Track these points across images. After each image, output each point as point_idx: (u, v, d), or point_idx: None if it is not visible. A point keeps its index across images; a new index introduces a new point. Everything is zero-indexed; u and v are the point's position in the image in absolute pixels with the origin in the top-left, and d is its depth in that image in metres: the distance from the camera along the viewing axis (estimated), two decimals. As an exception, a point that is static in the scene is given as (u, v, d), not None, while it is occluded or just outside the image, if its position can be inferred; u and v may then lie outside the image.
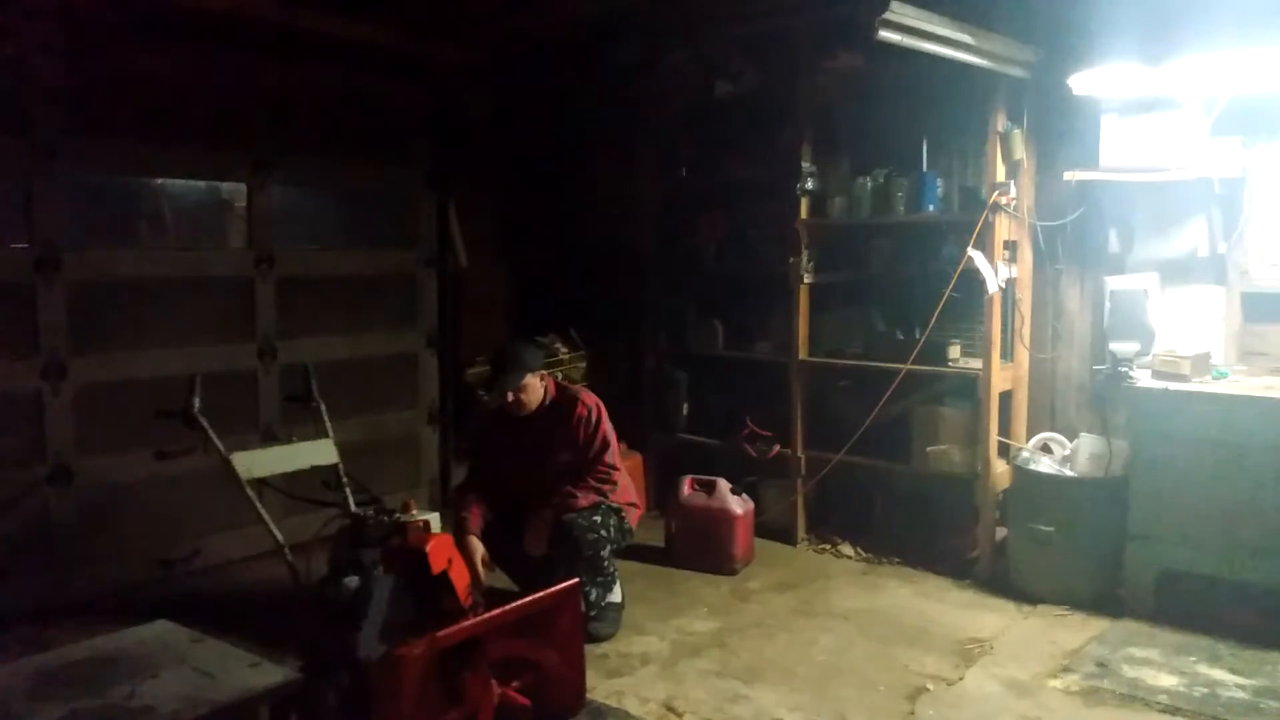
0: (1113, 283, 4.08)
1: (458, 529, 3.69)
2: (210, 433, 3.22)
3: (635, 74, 5.29)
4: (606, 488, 3.77)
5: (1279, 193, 3.90)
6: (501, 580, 3.94)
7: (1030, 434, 4.37)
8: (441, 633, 2.61)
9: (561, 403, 3.85)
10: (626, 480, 4.00)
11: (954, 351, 4.37)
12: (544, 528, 3.70)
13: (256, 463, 3.37)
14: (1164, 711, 3.07)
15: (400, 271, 5.33)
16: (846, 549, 4.70)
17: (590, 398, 3.88)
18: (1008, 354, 4.32)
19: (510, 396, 3.73)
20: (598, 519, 3.72)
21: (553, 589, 3.01)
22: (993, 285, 4.11)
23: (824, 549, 4.74)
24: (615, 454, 3.84)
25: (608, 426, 3.84)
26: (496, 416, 3.95)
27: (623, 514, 3.86)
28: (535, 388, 3.78)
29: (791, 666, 3.47)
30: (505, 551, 3.83)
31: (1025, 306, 4.33)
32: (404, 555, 2.90)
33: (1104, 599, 3.83)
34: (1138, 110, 3.88)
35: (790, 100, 4.72)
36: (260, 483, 3.34)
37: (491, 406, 4.11)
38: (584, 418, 3.80)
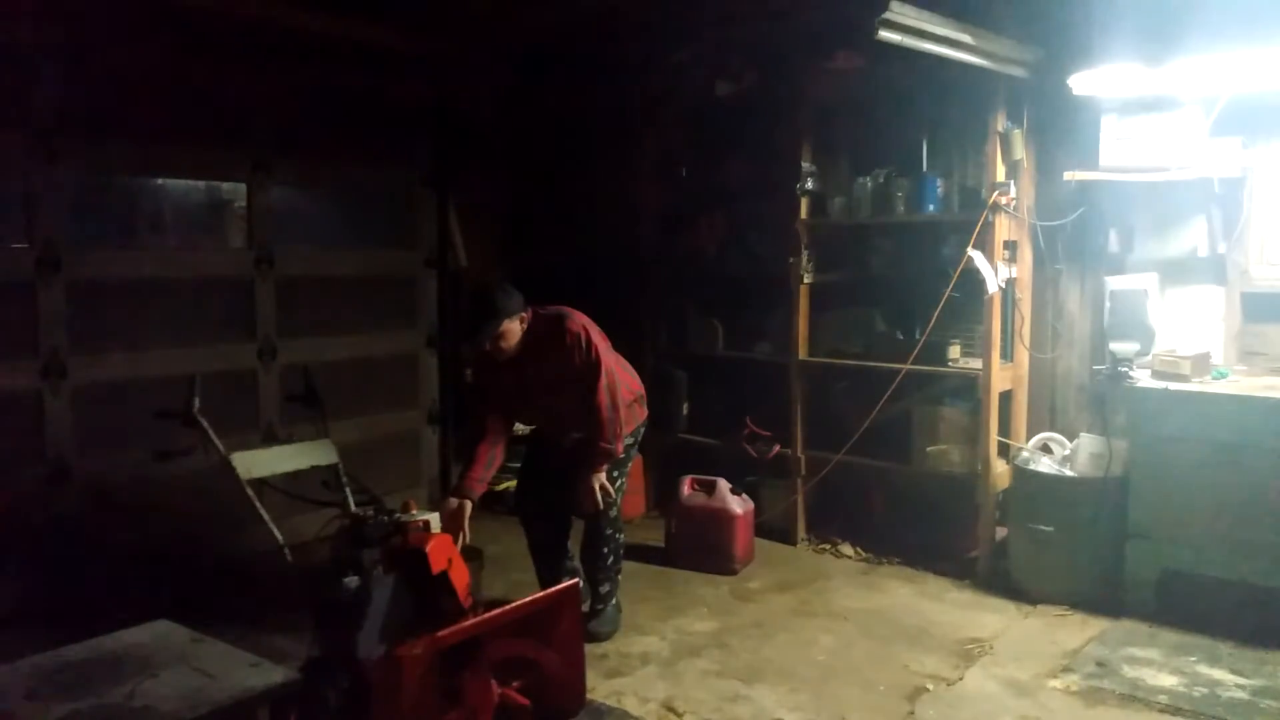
0: (1113, 283, 4.08)
1: (454, 491, 3.60)
2: (210, 433, 3.22)
3: (635, 74, 5.29)
4: (607, 431, 3.61)
5: (1279, 193, 3.90)
6: (500, 583, 3.94)
7: (1030, 434, 4.37)
8: (441, 633, 2.61)
9: (546, 331, 3.66)
10: (628, 375, 3.85)
11: (954, 351, 4.38)
12: (593, 492, 3.65)
13: (256, 463, 3.38)
14: (1164, 711, 3.07)
15: (400, 271, 5.32)
16: (846, 549, 4.70)
17: (575, 323, 3.66)
18: (1008, 354, 4.32)
19: (487, 346, 3.59)
20: (611, 497, 3.74)
21: (552, 589, 3.01)
22: (993, 285, 4.11)
23: (824, 549, 4.74)
24: (605, 374, 3.63)
25: (600, 346, 3.65)
26: (486, 360, 3.77)
27: (630, 448, 3.84)
28: (515, 332, 3.61)
29: (791, 666, 3.47)
30: (533, 492, 3.86)
31: (1025, 306, 4.34)
32: (404, 555, 2.90)
33: (1104, 599, 3.82)
34: (1138, 110, 3.87)
35: (790, 100, 4.72)
36: (260, 483, 3.35)
37: (467, 357, 4.01)
38: (573, 346, 3.62)
